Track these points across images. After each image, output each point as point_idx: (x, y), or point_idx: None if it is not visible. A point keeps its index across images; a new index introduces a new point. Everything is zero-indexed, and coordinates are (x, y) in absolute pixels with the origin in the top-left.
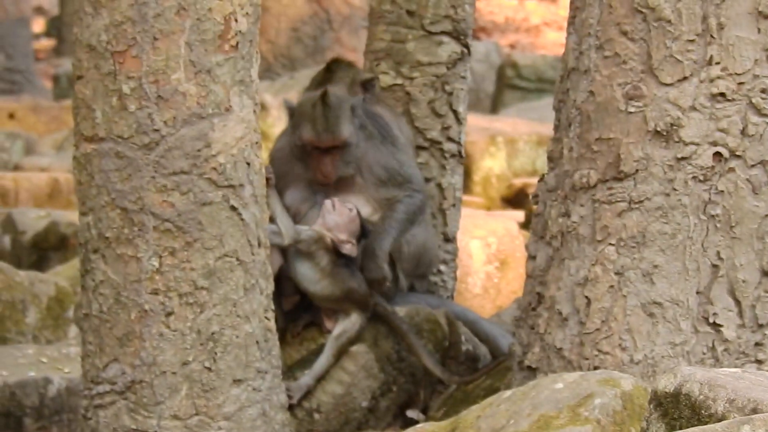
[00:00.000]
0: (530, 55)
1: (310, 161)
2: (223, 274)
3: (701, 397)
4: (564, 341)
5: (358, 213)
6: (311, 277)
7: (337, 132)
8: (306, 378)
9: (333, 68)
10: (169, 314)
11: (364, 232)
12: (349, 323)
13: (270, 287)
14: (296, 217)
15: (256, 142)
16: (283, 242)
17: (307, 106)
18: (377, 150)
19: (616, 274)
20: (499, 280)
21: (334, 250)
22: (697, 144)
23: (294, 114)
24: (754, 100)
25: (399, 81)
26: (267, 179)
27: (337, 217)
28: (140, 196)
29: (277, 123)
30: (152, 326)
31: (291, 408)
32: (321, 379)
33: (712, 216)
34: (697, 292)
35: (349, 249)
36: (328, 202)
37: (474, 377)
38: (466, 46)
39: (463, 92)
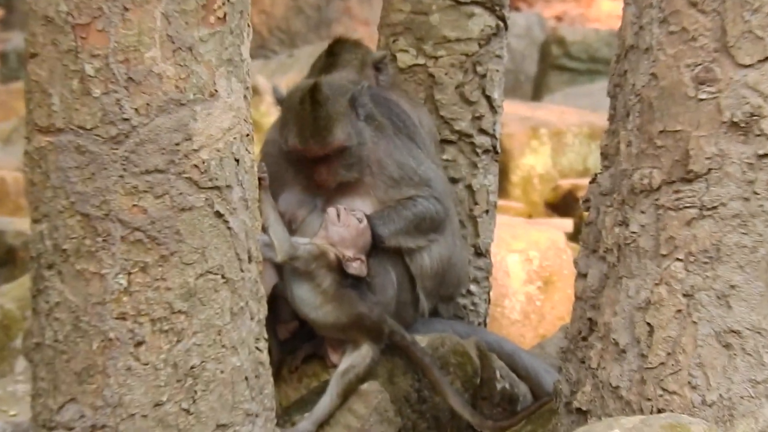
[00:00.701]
0: (580, 29)
1: (301, 167)
2: (205, 295)
3: None
4: (621, 378)
5: (369, 223)
6: (311, 301)
7: (329, 138)
8: (306, 423)
9: (337, 50)
10: (139, 344)
11: (376, 246)
12: (358, 356)
13: (262, 311)
14: (292, 225)
15: (247, 135)
16: (275, 258)
17: (294, 103)
18: (390, 143)
19: (685, 296)
20: (543, 302)
21: (339, 269)
22: None
23: (282, 108)
24: None
25: (421, 61)
26: (260, 179)
27: (343, 229)
28: (105, 199)
29: (272, 111)
30: (118, 358)
31: None
32: (324, 424)
33: None
34: None
35: (358, 267)
36: (331, 211)
37: (512, 422)
38: (503, 18)
39: (499, 74)
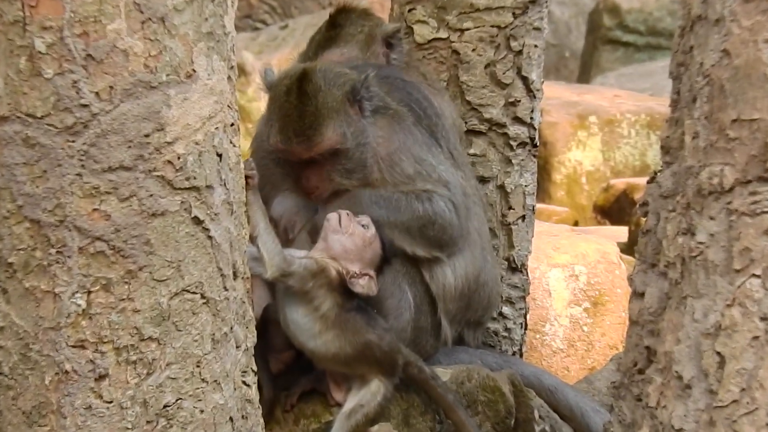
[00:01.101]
0: None
1: (290, 170)
2: (181, 319)
3: None
4: (686, 419)
5: (384, 245)
6: (308, 327)
7: (316, 138)
8: None
9: (340, 21)
10: (101, 378)
11: (387, 259)
12: (367, 393)
13: (250, 338)
14: (288, 234)
15: (231, 124)
16: (264, 274)
17: (280, 93)
18: (408, 135)
19: (763, 319)
20: (591, 328)
21: (342, 289)
22: None
23: (269, 97)
24: None
25: (443, 34)
26: (247, 179)
27: (346, 238)
28: (60, 202)
29: (263, 95)
30: (76, 395)
31: None
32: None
33: None
34: None
35: (365, 285)
36: (332, 217)
37: None
38: None
39: (538, 51)
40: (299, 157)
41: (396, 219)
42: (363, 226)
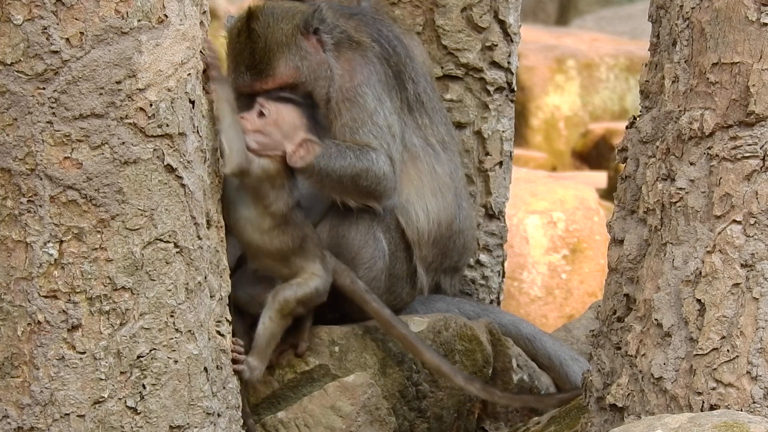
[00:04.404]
0: None
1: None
2: (154, 268)
3: None
4: (665, 367)
5: (291, 100)
6: (259, 223)
7: (267, 72)
8: (250, 360)
9: None
10: (74, 328)
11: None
12: (300, 279)
13: (225, 288)
14: None
15: (204, 71)
16: (223, 168)
17: (233, 36)
18: (373, 71)
19: (744, 266)
20: (569, 275)
21: (290, 185)
22: None
23: (226, 41)
24: None
25: None
26: (207, 67)
27: (259, 136)
28: (31, 150)
29: None
30: (49, 346)
31: None
32: (302, 424)
33: None
34: None
35: (307, 152)
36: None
37: (524, 399)
38: None
39: None
40: (255, 92)
41: (327, 167)
42: (262, 113)
